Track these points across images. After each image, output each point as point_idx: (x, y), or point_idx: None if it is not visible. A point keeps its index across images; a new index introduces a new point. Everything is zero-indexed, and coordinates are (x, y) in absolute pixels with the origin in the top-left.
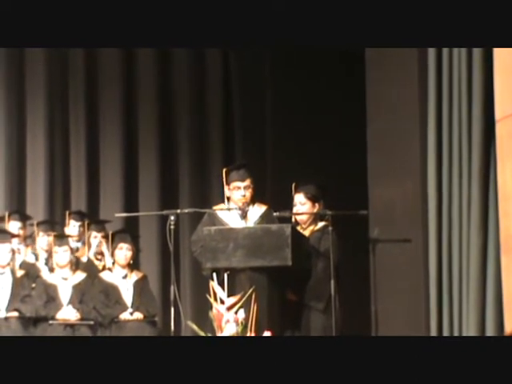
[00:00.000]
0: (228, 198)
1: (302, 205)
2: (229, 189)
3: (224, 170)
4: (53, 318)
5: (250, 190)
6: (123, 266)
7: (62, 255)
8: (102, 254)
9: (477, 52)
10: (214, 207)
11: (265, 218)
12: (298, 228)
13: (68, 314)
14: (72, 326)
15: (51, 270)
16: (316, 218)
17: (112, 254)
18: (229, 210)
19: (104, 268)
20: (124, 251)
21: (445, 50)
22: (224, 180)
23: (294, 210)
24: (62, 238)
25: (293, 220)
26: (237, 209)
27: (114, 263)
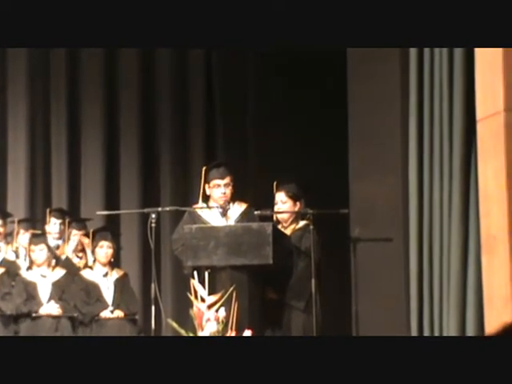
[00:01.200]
0: (206, 197)
1: (283, 203)
2: (209, 187)
3: (204, 168)
4: (36, 312)
5: (230, 188)
6: (104, 264)
7: (38, 254)
8: (82, 251)
9: (458, 51)
10: (195, 206)
11: (245, 216)
12: (280, 227)
13: (50, 309)
14: (54, 317)
15: (29, 267)
16: (297, 216)
17: (93, 252)
18: (209, 208)
19: (85, 266)
20: (105, 249)
21: (426, 50)
22: (203, 178)
23: (275, 208)
24: (39, 236)
25: (274, 219)
26: (217, 207)
27: (94, 261)
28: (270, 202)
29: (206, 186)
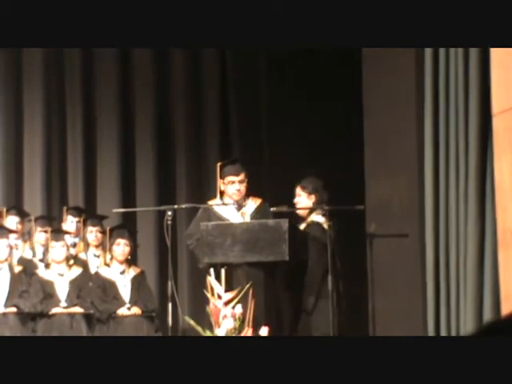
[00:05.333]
0: (222, 193)
1: (298, 197)
2: (223, 183)
3: (218, 165)
4: (50, 310)
5: (245, 184)
6: (121, 262)
7: (59, 250)
8: (99, 246)
9: (474, 48)
10: (210, 202)
11: (259, 212)
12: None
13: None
14: (71, 315)
15: (47, 266)
16: (311, 210)
17: (110, 250)
18: (225, 204)
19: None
20: (122, 247)
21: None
22: (218, 174)
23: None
24: (59, 233)
25: (297, 212)
26: (233, 203)
27: (111, 259)
28: (285, 199)
29: (220, 181)
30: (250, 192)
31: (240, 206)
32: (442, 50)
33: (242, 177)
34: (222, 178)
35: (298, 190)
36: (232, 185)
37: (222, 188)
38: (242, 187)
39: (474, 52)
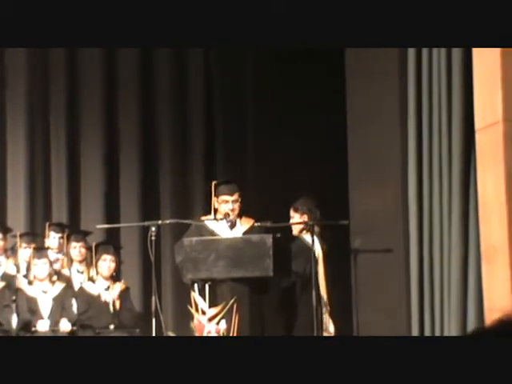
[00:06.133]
0: (215, 210)
1: (292, 219)
2: (217, 201)
3: (213, 183)
4: (34, 327)
5: (238, 204)
6: (106, 278)
7: (41, 268)
8: (82, 262)
9: (456, 61)
10: (202, 217)
11: (251, 232)
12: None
13: (48, 325)
14: (54, 331)
15: (30, 282)
16: (302, 228)
17: (95, 266)
18: (216, 220)
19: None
20: (107, 263)
21: (425, 59)
22: (213, 192)
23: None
24: (41, 250)
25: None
26: (226, 221)
27: (96, 274)
28: (270, 213)
29: (214, 199)
30: (243, 212)
31: (233, 225)
32: (425, 65)
33: (235, 197)
34: (217, 196)
35: (291, 212)
36: (225, 204)
37: (216, 206)
38: (236, 206)
39: (457, 66)
